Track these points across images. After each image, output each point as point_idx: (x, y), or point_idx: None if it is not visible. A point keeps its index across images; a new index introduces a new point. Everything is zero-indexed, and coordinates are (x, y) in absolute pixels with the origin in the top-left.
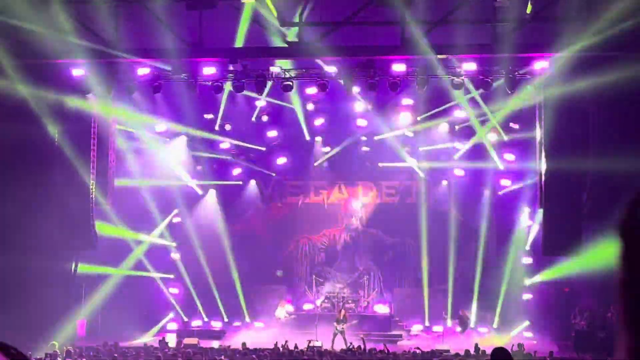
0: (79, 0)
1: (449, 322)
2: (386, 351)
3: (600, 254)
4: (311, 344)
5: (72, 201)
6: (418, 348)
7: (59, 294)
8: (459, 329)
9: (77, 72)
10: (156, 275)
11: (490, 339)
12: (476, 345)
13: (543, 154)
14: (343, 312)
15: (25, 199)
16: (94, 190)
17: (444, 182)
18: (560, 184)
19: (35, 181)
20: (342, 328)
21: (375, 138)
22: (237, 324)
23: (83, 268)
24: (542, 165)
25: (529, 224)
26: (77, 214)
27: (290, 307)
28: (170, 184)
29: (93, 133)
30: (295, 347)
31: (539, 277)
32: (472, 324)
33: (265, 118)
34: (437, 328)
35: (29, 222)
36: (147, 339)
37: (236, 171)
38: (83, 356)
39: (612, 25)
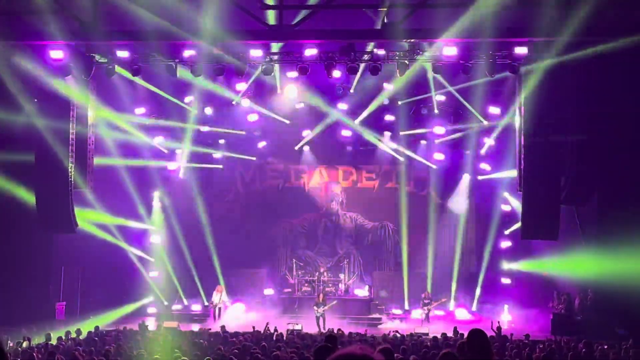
0: None
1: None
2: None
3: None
4: (291, 328)
5: (50, 184)
6: (397, 331)
7: (38, 277)
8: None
9: (55, 53)
10: (133, 250)
11: (468, 322)
12: (455, 328)
13: (522, 138)
14: (322, 295)
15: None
16: (72, 173)
17: (424, 167)
18: (539, 168)
19: (13, 164)
20: (323, 311)
21: (356, 122)
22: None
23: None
24: (522, 150)
25: (508, 208)
26: (56, 197)
27: (225, 296)
28: (149, 165)
29: (72, 116)
30: (276, 330)
31: (517, 265)
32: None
33: (246, 102)
34: (416, 312)
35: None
36: (124, 312)
37: (217, 155)
38: (61, 339)
39: (592, 11)
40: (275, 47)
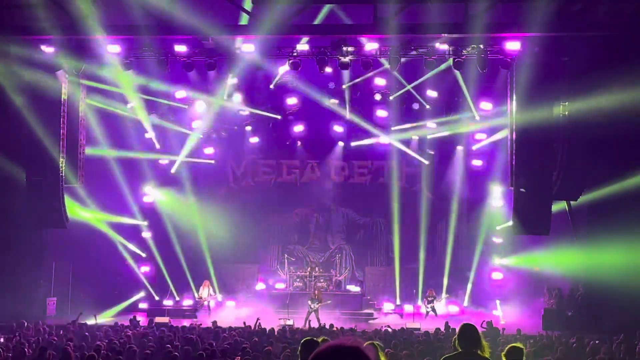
0: None
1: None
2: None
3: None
4: (283, 323)
5: (41, 179)
6: (388, 326)
7: (29, 272)
8: (428, 309)
9: (46, 48)
10: (125, 244)
11: (460, 317)
12: (446, 323)
13: (514, 133)
14: (317, 291)
15: None
16: (63, 167)
17: (416, 162)
18: (531, 163)
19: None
20: (317, 307)
21: (347, 117)
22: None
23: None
24: (513, 145)
25: (499, 203)
26: (47, 192)
27: (212, 290)
28: (140, 156)
29: (63, 110)
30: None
31: (509, 260)
32: (441, 302)
33: (238, 97)
34: (408, 307)
35: None
36: (114, 313)
37: (208, 150)
38: (53, 334)
39: (583, 6)
40: (268, 41)
